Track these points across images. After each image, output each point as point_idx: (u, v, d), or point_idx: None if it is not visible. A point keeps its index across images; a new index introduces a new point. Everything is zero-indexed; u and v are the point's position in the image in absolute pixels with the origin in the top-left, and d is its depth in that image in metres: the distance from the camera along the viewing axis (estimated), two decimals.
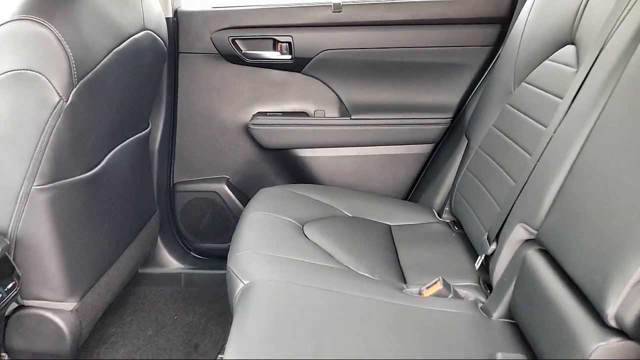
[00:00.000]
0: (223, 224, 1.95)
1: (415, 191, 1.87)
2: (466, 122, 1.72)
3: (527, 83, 1.39)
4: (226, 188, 1.91)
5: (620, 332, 0.78)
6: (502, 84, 1.52)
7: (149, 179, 1.73)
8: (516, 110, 1.38)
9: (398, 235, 1.51)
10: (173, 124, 1.84)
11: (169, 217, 1.92)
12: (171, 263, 1.92)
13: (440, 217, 1.63)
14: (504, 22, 1.69)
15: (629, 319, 0.75)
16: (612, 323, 0.78)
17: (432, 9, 1.71)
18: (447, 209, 1.62)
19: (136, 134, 1.51)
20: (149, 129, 1.62)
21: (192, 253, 1.98)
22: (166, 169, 1.87)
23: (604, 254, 0.82)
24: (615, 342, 0.78)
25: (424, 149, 1.83)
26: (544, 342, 0.93)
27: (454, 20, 1.72)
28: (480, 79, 1.76)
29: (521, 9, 1.56)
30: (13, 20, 1.00)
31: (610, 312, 0.77)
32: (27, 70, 1.01)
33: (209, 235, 1.97)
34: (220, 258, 1.96)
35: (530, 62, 1.40)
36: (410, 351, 0.96)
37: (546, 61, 1.34)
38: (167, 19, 1.66)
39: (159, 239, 1.88)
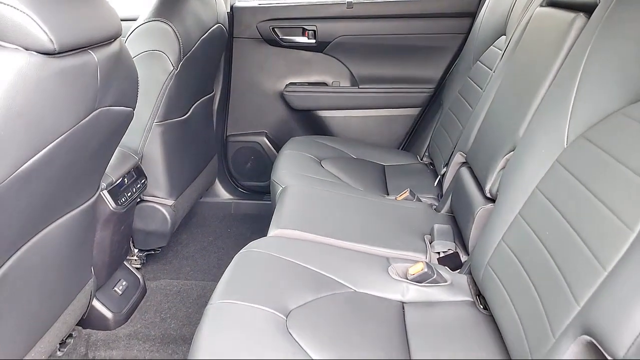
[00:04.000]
0: (263, 167, 2.59)
1: (407, 143, 2.49)
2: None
3: (479, 62, 1.98)
4: (265, 140, 2.56)
5: (494, 200, 1.40)
6: (466, 62, 2.12)
7: (212, 130, 2.39)
8: (471, 80, 1.98)
9: (388, 171, 2.14)
10: (228, 91, 2.49)
11: (222, 160, 2.58)
12: (224, 194, 2.58)
13: (421, 160, 2.25)
14: (473, 15, 2.28)
15: (494, 191, 1.37)
16: (489, 195, 1.40)
17: (421, 5, 2.32)
18: (426, 153, 2.24)
19: (206, 95, 2.17)
20: (213, 93, 2.28)
21: (239, 188, 2.64)
22: (222, 124, 2.52)
23: (489, 158, 1.44)
24: (490, 206, 1.40)
25: (414, 111, 2.44)
26: (460, 215, 1.56)
27: (437, 14, 2.32)
28: (456, 58, 2.35)
29: (483, 6, 2.16)
30: (148, 21, 1.67)
31: (487, 188, 1.39)
32: (156, 50, 1.67)
33: (252, 175, 2.62)
34: (260, 193, 2.62)
35: (483, 47, 2.00)
36: (385, 222, 1.60)
37: (491, 47, 1.93)
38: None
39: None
